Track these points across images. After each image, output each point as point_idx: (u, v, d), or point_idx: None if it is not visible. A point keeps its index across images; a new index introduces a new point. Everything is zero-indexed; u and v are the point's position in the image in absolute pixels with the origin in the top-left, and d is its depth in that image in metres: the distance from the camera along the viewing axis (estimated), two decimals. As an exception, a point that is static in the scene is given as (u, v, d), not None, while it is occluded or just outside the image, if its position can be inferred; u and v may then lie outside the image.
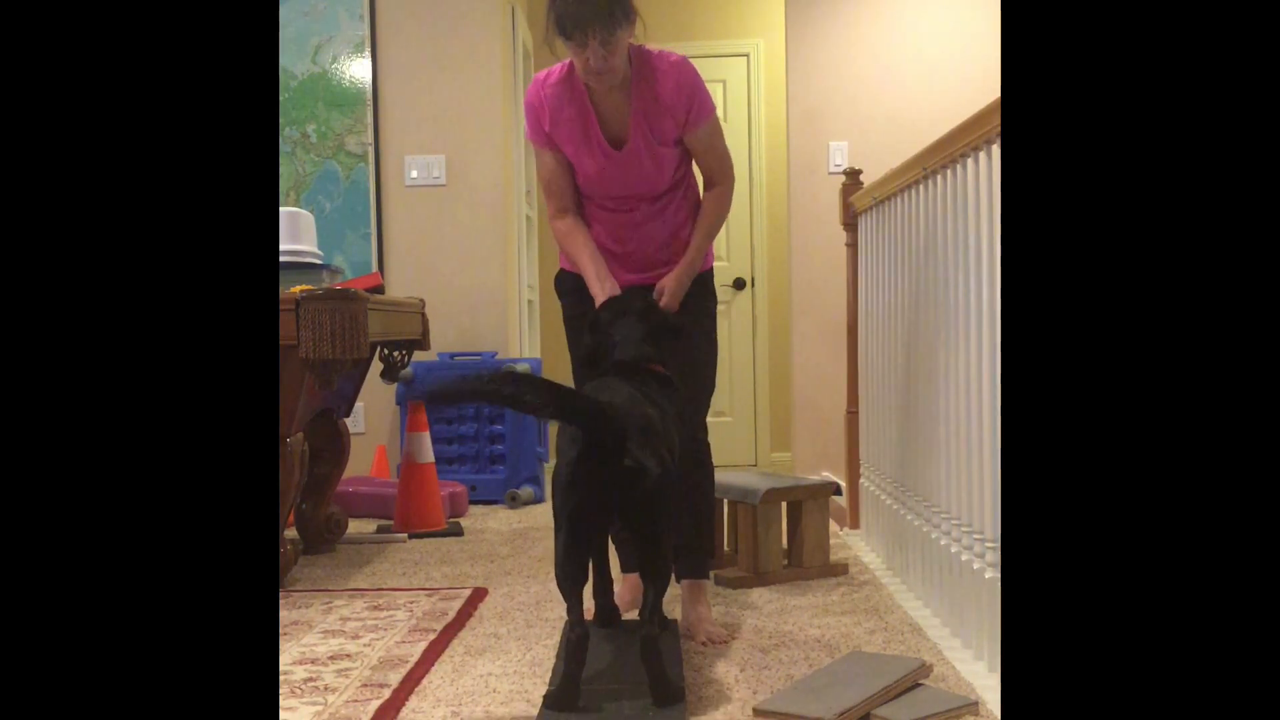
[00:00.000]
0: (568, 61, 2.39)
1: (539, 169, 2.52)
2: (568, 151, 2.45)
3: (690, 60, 2.42)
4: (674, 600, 2.62)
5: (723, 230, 5.80)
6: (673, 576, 2.34)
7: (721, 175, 2.51)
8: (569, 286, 2.58)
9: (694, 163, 2.52)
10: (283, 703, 2.01)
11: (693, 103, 2.39)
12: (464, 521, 4.06)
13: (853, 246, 3.66)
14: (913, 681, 1.98)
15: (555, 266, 5.65)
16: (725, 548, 3.20)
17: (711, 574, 2.99)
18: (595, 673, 2.03)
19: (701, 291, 2.56)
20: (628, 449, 1.86)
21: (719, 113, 5.81)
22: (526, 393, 1.79)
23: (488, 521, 4.06)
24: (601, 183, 2.45)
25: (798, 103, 4.67)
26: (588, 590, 2.07)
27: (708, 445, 2.58)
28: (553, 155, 2.47)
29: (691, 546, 2.52)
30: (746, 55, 5.81)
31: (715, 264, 5.71)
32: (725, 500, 3.17)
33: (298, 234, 3.54)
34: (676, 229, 2.51)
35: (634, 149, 2.39)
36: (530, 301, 5.32)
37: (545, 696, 1.89)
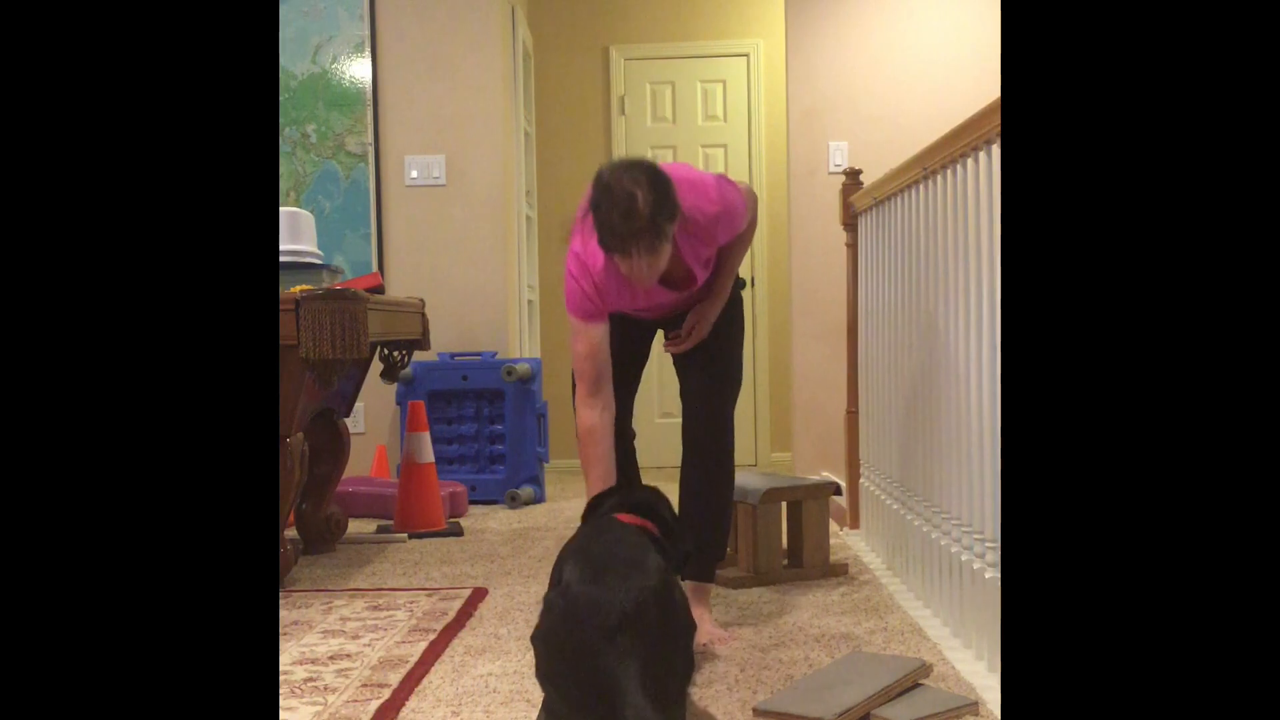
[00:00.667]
0: None
1: (579, 342, 2.31)
2: (638, 296, 2.37)
3: (723, 185, 2.35)
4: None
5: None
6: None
7: (747, 229, 2.52)
8: None
9: None
10: (283, 703, 2.01)
11: (721, 226, 2.35)
12: (464, 521, 4.06)
13: (853, 246, 3.66)
14: (913, 681, 1.98)
15: (555, 266, 5.67)
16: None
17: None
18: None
19: (729, 298, 2.58)
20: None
21: (719, 113, 5.82)
22: None
23: (488, 521, 4.06)
24: (648, 300, 2.43)
25: (798, 103, 4.67)
26: None
27: (732, 448, 2.57)
28: (601, 328, 2.31)
29: (701, 548, 2.52)
30: (746, 55, 5.81)
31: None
32: (725, 500, 3.17)
33: (298, 234, 3.55)
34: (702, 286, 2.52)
35: (695, 283, 2.41)
36: (530, 301, 5.32)
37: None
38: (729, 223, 2.36)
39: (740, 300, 2.63)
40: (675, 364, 2.62)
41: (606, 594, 1.66)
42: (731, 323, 2.58)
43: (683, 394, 2.60)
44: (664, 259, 2.17)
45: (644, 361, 2.68)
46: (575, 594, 1.69)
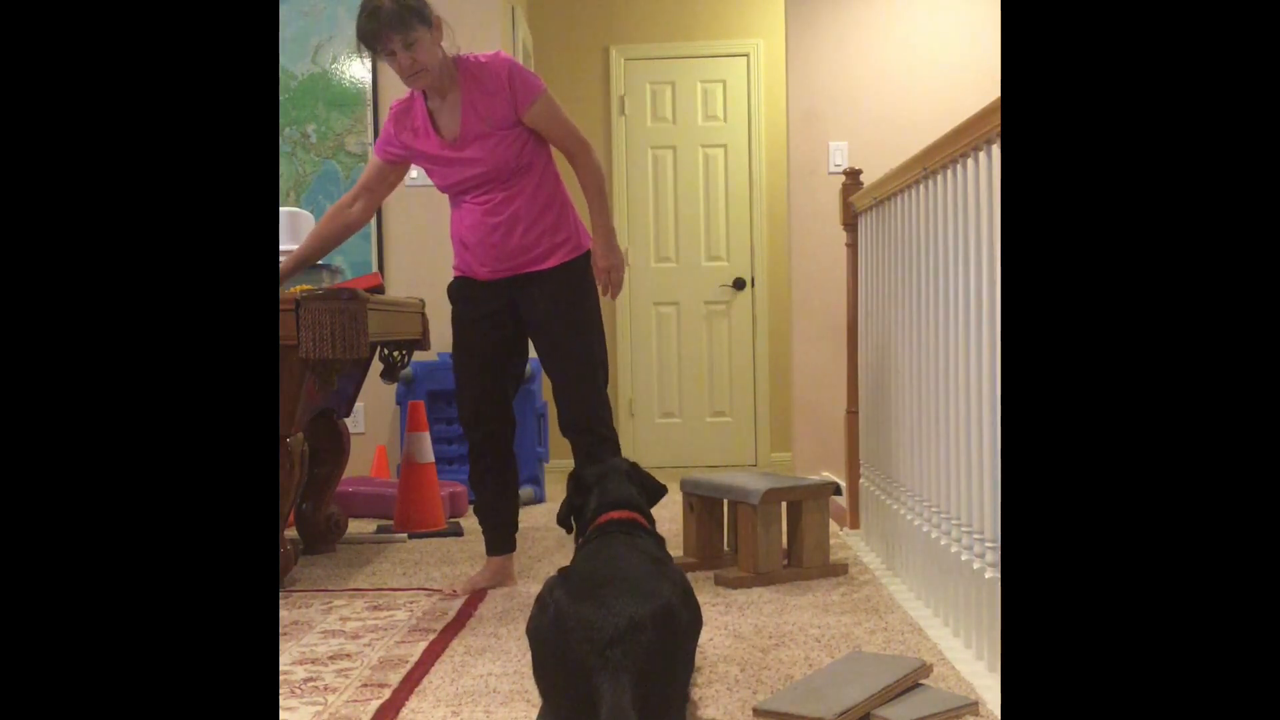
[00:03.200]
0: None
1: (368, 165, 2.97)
2: (418, 147, 2.81)
3: (504, 52, 2.80)
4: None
5: (722, 230, 5.79)
6: None
7: (578, 146, 2.80)
8: (455, 292, 2.93)
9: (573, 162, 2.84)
10: (283, 703, 2.01)
11: (513, 82, 2.72)
12: (464, 521, 4.06)
13: (853, 246, 3.66)
14: (913, 681, 1.98)
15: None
16: (725, 547, 3.20)
17: (712, 573, 2.99)
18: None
19: (571, 278, 2.81)
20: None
21: (719, 113, 5.81)
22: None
23: (488, 521, 4.06)
24: (450, 172, 2.79)
25: (798, 103, 4.67)
26: None
27: (609, 423, 2.85)
28: (380, 163, 2.91)
29: None
30: (746, 55, 5.81)
31: (713, 263, 5.77)
32: (725, 500, 3.17)
33: (298, 234, 3.54)
34: (536, 214, 2.78)
35: (466, 133, 2.74)
36: (530, 301, 5.32)
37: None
38: (510, 80, 2.71)
39: (585, 276, 2.84)
40: (540, 358, 2.87)
41: (599, 611, 1.67)
42: (578, 306, 2.81)
43: (553, 386, 2.87)
44: (427, 56, 2.63)
45: (514, 346, 2.92)
46: (565, 610, 1.69)
